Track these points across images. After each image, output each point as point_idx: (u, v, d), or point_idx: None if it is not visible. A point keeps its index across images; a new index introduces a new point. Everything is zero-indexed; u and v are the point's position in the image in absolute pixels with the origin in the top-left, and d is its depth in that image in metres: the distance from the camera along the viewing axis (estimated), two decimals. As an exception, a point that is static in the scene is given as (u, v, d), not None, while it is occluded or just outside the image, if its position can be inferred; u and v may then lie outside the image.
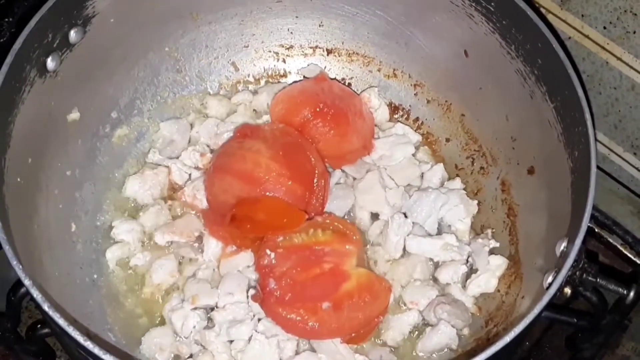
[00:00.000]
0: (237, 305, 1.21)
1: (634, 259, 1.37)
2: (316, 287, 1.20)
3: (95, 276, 1.28)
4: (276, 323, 1.19)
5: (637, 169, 1.39)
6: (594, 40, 1.29)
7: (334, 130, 1.35)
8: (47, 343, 1.28)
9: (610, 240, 1.38)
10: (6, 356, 1.25)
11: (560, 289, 1.04)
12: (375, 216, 1.35)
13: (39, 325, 1.19)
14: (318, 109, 1.35)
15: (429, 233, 1.33)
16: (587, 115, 1.08)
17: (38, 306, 0.97)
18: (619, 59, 1.27)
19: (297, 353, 1.20)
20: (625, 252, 1.38)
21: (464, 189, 1.37)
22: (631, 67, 1.27)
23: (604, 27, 1.25)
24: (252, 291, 1.23)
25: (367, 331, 1.24)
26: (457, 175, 1.40)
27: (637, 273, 1.36)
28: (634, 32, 1.22)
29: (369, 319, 1.23)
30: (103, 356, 0.91)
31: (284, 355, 1.19)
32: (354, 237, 1.27)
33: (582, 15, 1.27)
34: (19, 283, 1.09)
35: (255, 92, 1.47)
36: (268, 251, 1.23)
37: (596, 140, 1.26)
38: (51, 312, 0.94)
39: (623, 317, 1.27)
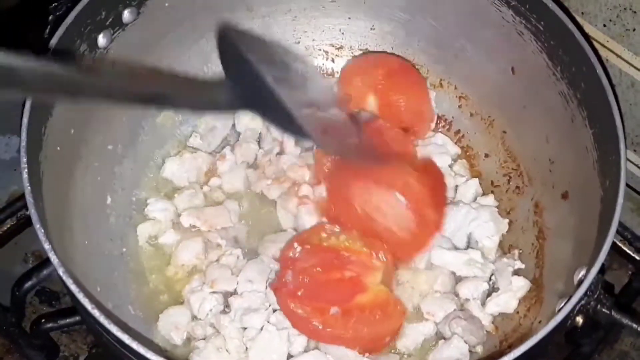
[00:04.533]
0: (254, 294, 1.23)
1: (633, 255, 1.35)
2: (331, 291, 1.20)
3: (124, 249, 1.31)
4: (284, 314, 1.20)
5: (637, 165, 1.37)
6: (594, 38, 1.29)
7: (413, 86, 1.41)
8: (51, 337, 1.31)
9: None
10: (11, 350, 1.28)
11: (572, 317, 1.02)
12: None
13: (43, 320, 1.20)
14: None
15: (455, 246, 1.32)
16: (622, 145, 1.07)
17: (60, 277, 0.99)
18: (618, 56, 1.26)
19: (306, 350, 1.21)
20: (624, 249, 1.36)
21: (497, 207, 1.35)
22: (631, 64, 1.26)
23: (604, 25, 1.25)
24: (272, 277, 1.25)
25: (374, 349, 1.23)
26: (492, 192, 1.38)
27: (637, 270, 1.34)
28: (634, 30, 1.21)
29: (376, 337, 1.22)
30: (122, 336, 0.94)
31: (293, 349, 1.20)
32: (383, 258, 1.26)
33: (582, 13, 1.27)
34: (23, 277, 1.13)
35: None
36: (295, 244, 1.25)
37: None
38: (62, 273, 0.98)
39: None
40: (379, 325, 1.20)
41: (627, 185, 1.39)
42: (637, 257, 1.35)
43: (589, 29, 1.27)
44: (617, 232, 1.31)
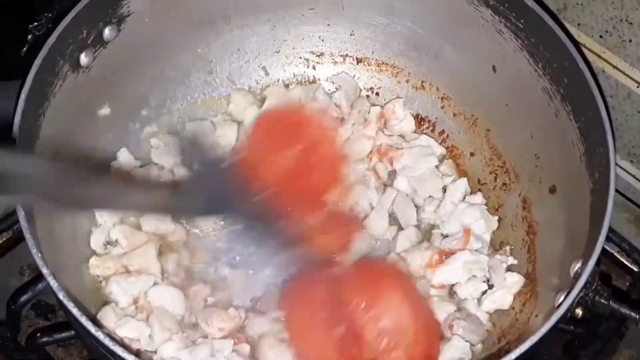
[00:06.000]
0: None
1: (631, 267, 1.35)
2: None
3: (116, 268, 1.30)
4: None
5: (633, 176, 1.39)
6: (590, 49, 1.30)
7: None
8: (47, 352, 1.28)
9: (607, 248, 1.34)
10: (6, 365, 1.25)
11: (572, 310, 1.03)
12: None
13: (38, 334, 1.18)
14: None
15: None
16: (609, 137, 1.08)
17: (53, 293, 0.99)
18: (615, 67, 1.28)
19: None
20: (622, 260, 1.36)
21: (485, 204, 1.36)
22: (627, 75, 1.28)
23: (600, 36, 1.27)
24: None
25: None
26: (479, 190, 1.39)
27: (635, 281, 1.35)
28: (630, 41, 1.23)
29: None
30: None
31: None
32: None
33: (579, 25, 1.29)
34: (18, 291, 1.11)
35: (287, 87, 1.49)
36: None
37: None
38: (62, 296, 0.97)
39: (620, 324, 1.26)
40: None
41: (624, 196, 1.42)
42: (635, 269, 1.35)
43: (584, 40, 1.29)
44: (615, 243, 1.33)
